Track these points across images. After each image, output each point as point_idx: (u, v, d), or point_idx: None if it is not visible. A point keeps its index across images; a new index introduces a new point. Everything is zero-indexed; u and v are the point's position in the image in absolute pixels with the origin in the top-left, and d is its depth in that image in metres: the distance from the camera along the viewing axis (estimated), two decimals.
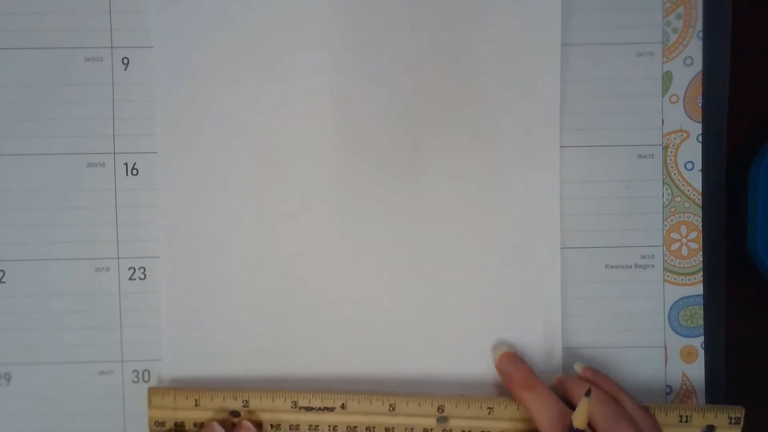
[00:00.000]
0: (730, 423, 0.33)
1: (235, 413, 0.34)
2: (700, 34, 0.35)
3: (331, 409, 0.33)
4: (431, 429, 0.33)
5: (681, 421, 0.33)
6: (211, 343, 0.35)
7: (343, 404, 0.33)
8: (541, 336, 0.35)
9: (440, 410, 0.33)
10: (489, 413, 0.33)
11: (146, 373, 0.35)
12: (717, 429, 0.33)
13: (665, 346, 0.36)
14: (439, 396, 0.34)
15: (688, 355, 0.36)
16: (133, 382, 0.35)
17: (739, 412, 0.33)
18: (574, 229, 0.35)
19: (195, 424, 0.34)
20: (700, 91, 0.35)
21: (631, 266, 0.36)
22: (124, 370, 0.35)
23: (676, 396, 0.36)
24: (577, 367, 0.34)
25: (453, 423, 0.33)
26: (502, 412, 0.33)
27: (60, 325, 0.35)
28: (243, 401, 0.33)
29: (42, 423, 0.35)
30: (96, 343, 0.35)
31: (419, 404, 0.33)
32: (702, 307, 0.36)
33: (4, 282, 0.35)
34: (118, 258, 0.35)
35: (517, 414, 0.33)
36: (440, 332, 0.35)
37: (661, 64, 0.35)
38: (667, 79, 0.35)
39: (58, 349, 0.35)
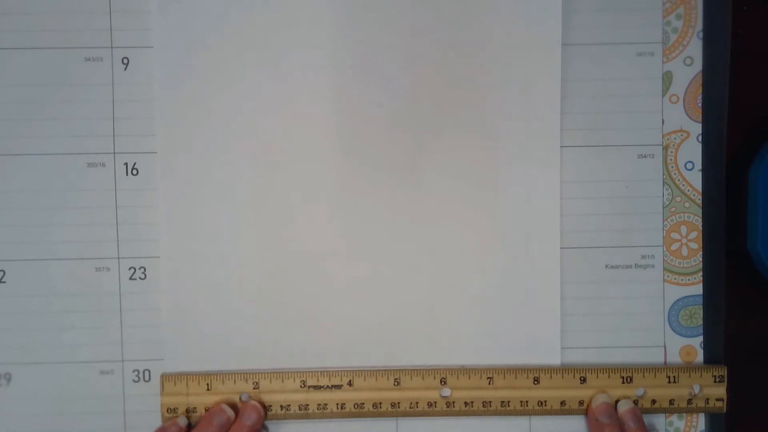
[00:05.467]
0: (715, 381, 0.35)
1: (245, 396, 0.35)
2: (700, 34, 0.35)
3: (338, 387, 0.35)
4: (435, 402, 0.34)
5: (669, 381, 0.35)
6: (212, 342, 0.35)
7: (350, 381, 0.35)
8: (540, 336, 0.35)
9: (443, 382, 0.35)
10: (489, 383, 0.35)
11: (147, 373, 0.35)
12: (704, 388, 0.35)
13: (665, 346, 0.36)
14: (442, 368, 0.35)
15: (687, 354, 0.36)
16: (134, 381, 0.35)
17: (722, 371, 0.35)
18: (574, 229, 0.35)
19: (207, 409, 0.34)
20: (700, 91, 0.35)
21: (631, 266, 0.36)
22: (124, 369, 0.35)
23: None
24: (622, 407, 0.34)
25: (455, 395, 0.35)
26: (501, 382, 0.35)
27: (60, 325, 0.35)
28: (253, 383, 0.35)
29: (42, 423, 0.35)
30: (96, 343, 0.35)
31: (423, 377, 0.34)
32: (702, 307, 0.36)
33: (4, 282, 0.35)
34: (119, 258, 0.35)
35: (516, 383, 0.34)
36: (440, 332, 0.35)
37: (661, 64, 0.35)
38: (667, 79, 0.35)
39: (58, 349, 0.35)
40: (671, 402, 0.35)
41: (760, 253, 0.34)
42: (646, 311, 0.36)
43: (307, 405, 0.35)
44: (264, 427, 0.35)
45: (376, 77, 0.35)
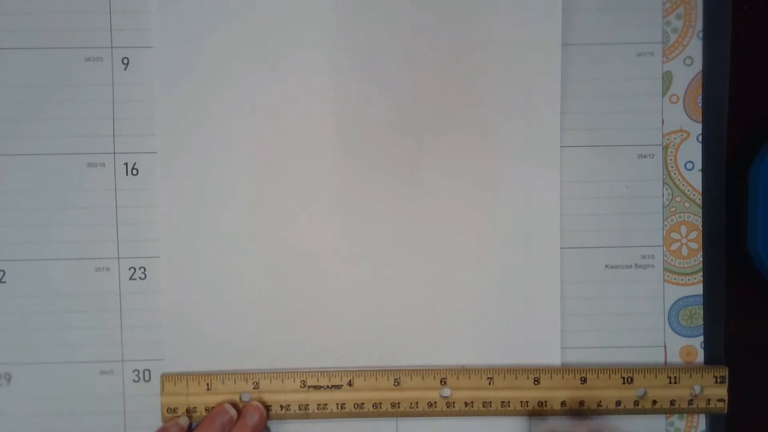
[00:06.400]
0: (716, 382, 0.35)
1: (246, 396, 0.35)
2: (700, 34, 0.35)
3: (338, 387, 0.35)
4: (435, 402, 0.34)
5: (670, 382, 0.35)
6: (212, 342, 0.35)
7: (350, 381, 0.35)
8: (540, 336, 0.35)
9: (443, 382, 0.34)
10: (489, 383, 0.35)
11: (147, 373, 0.35)
12: (705, 389, 0.35)
13: (665, 346, 0.36)
14: (442, 368, 0.35)
15: (687, 354, 0.36)
16: (134, 381, 0.35)
17: (724, 372, 0.35)
18: (574, 229, 0.35)
19: (207, 409, 0.34)
20: (700, 91, 0.35)
21: (631, 266, 0.36)
22: (124, 369, 0.35)
23: None
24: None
25: (455, 395, 0.35)
26: (501, 382, 0.34)
27: (60, 325, 0.35)
28: (253, 383, 0.35)
29: (42, 423, 0.35)
30: (96, 343, 0.35)
31: (423, 378, 0.34)
32: (702, 307, 0.36)
33: (4, 282, 0.35)
34: (119, 258, 0.35)
35: (516, 383, 0.34)
36: (440, 332, 0.35)
37: (661, 64, 0.35)
38: (667, 79, 0.35)
39: (58, 349, 0.35)
40: (672, 402, 0.35)
41: (760, 253, 0.34)
42: (646, 311, 0.36)
43: (307, 405, 0.35)
44: (266, 427, 0.35)
45: (376, 77, 0.35)
